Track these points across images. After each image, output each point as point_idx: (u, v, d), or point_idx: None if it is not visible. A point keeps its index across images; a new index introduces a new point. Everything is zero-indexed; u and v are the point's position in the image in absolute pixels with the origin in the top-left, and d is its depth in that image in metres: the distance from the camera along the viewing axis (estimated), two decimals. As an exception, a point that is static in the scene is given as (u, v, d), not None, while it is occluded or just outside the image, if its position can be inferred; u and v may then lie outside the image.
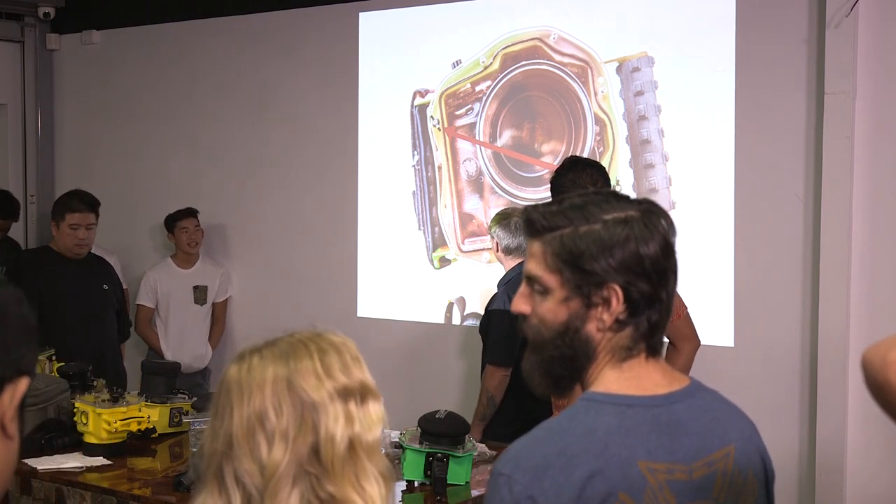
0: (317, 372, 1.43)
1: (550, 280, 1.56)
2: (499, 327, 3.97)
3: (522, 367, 1.67)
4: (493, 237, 4.21)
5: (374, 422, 1.45)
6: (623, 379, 1.57)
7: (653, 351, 1.59)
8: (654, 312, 1.56)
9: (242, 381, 1.43)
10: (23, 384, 1.11)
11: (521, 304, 1.61)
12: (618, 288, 1.53)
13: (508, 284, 4.04)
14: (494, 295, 4.18)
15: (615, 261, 1.53)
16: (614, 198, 1.59)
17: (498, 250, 4.19)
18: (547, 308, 1.57)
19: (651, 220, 1.55)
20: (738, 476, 1.61)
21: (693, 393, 1.62)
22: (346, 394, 1.43)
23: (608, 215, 1.55)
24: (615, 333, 1.56)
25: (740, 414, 1.70)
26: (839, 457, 4.24)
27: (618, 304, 1.54)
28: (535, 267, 1.58)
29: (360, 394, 1.45)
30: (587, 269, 1.53)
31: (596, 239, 1.53)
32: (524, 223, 1.61)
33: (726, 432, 1.62)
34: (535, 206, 1.62)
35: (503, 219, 4.18)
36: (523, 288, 1.61)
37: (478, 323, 5.25)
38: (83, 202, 4.91)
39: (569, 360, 1.58)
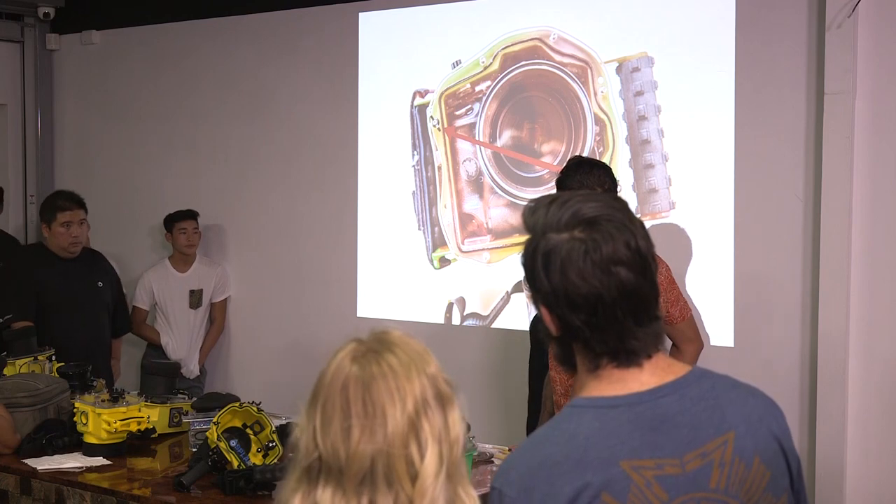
0: (439, 367, 1.41)
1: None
2: None
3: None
4: None
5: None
6: (605, 383, 1.56)
7: (625, 361, 1.56)
8: (598, 338, 1.54)
9: (389, 381, 1.37)
10: None
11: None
12: (553, 316, 1.55)
13: None
14: None
15: (547, 289, 1.54)
16: (568, 206, 1.54)
17: None
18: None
19: (595, 241, 1.51)
20: (738, 463, 1.55)
21: (687, 383, 1.57)
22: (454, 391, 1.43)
23: (553, 237, 1.53)
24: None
25: (752, 397, 1.62)
26: (839, 457, 4.24)
27: (557, 331, 1.57)
28: None
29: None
30: (533, 287, 1.57)
31: (534, 263, 1.55)
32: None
33: (724, 419, 1.56)
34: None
35: None
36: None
37: (478, 323, 5.25)
38: (71, 200, 4.95)
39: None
